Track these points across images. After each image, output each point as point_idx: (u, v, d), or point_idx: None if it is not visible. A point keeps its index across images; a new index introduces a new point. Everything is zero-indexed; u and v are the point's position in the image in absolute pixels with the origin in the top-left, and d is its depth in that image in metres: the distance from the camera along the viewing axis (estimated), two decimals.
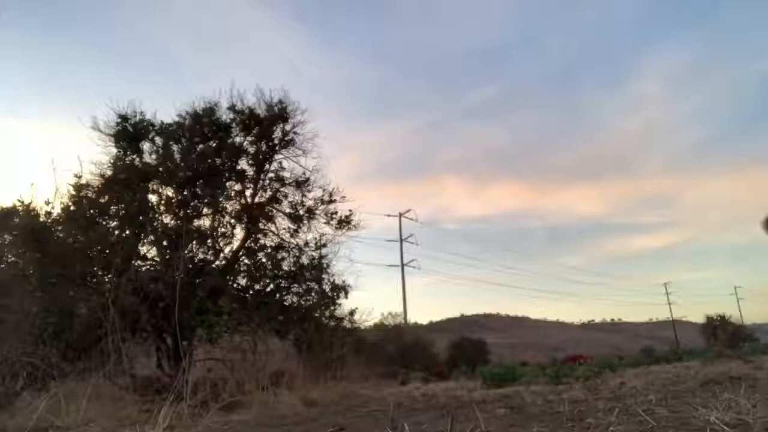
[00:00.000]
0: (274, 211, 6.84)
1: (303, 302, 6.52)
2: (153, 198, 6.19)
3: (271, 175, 6.78)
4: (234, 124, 6.42)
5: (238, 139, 6.53)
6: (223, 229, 6.46)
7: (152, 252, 6.18)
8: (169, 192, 6.21)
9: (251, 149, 6.62)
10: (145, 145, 6.51)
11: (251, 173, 6.68)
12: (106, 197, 5.94)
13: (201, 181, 6.12)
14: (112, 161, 6.29)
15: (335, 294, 6.75)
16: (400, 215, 28.27)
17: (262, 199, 6.76)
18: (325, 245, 6.80)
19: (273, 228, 6.81)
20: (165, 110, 8.48)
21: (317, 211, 6.88)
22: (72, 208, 5.83)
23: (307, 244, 6.76)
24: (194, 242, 6.09)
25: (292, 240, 6.82)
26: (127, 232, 5.67)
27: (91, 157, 6.60)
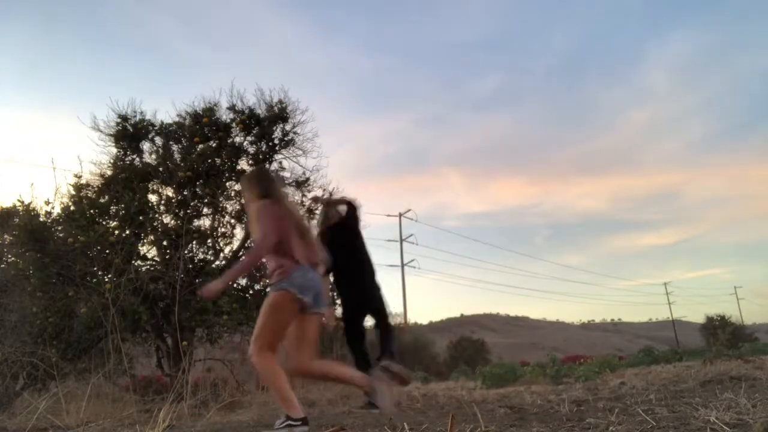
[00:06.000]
0: None
1: None
2: (153, 198, 6.19)
3: None
4: (234, 124, 6.42)
5: (238, 139, 6.52)
6: (223, 229, 6.45)
7: (152, 252, 6.18)
8: (169, 192, 6.21)
9: (251, 149, 6.62)
10: (145, 145, 6.51)
11: None
12: (106, 197, 5.94)
13: (201, 181, 6.11)
14: (112, 161, 6.29)
15: (335, 294, 6.74)
16: (400, 215, 28.29)
17: None
18: None
19: None
20: (165, 110, 8.48)
21: (317, 212, 6.88)
22: (72, 208, 5.83)
23: None
24: (194, 242, 6.09)
25: None
26: (127, 232, 5.66)
27: (91, 157, 6.61)
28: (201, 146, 6.13)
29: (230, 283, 2.65)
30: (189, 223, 5.92)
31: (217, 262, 6.22)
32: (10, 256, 6.53)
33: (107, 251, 5.51)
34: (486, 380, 10.11)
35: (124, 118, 6.33)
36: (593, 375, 8.38)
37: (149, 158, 6.44)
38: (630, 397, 3.68)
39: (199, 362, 5.88)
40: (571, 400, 3.61)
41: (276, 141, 6.56)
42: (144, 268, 5.86)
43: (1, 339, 5.06)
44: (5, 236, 6.72)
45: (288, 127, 6.55)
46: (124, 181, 5.91)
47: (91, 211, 5.71)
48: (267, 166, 6.71)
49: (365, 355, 3.97)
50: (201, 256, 6.23)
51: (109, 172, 6.16)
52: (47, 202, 5.97)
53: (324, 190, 6.88)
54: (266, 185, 2.89)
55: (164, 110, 7.07)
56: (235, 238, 6.55)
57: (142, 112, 6.42)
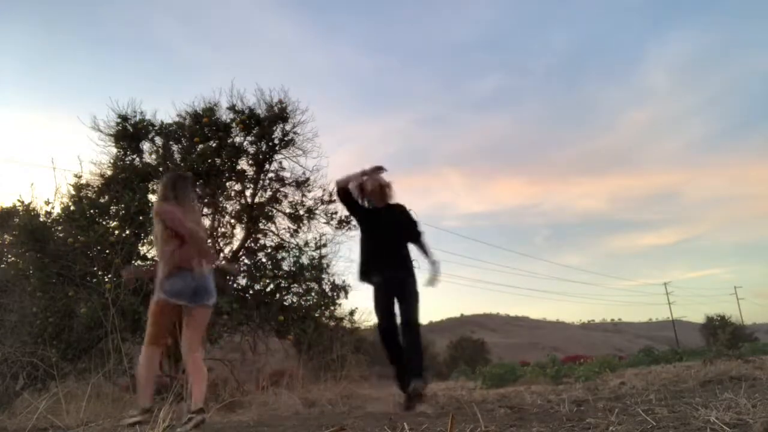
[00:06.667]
0: (274, 211, 6.84)
1: (303, 302, 6.52)
2: (153, 198, 6.20)
3: (271, 175, 6.78)
4: (234, 124, 6.42)
5: (238, 139, 6.52)
6: (223, 229, 6.46)
7: (152, 252, 6.18)
8: None
9: (251, 149, 6.62)
10: (145, 145, 6.52)
11: (251, 173, 6.68)
12: (106, 197, 5.94)
13: (201, 181, 6.12)
14: (112, 161, 6.29)
15: (335, 294, 6.75)
16: None
17: (262, 199, 6.76)
18: (325, 245, 6.79)
19: (273, 228, 6.81)
20: (165, 110, 8.48)
21: (317, 211, 6.88)
22: (72, 208, 5.83)
23: (307, 244, 6.76)
24: None
25: (292, 240, 6.82)
26: (127, 232, 5.66)
27: (91, 157, 6.60)
28: (201, 146, 6.14)
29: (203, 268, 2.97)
30: None
31: (217, 262, 6.22)
32: (10, 256, 6.53)
33: (107, 251, 5.51)
34: (486, 380, 10.11)
35: (124, 118, 6.33)
36: (593, 375, 8.39)
37: (149, 158, 6.45)
38: (630, 397, 3.68)
39: None
40: (571, 400, 3.61)
41: (276, 141, 6.57)
42: (144, 269, 5.87)
43: (1, 339, 5.06)
44: (5, 236, 6.73)
45: (288, 127, 6.55)
46: (124, 181, 5.91)
47: (91, 211, 5.71)
48: (267, 166, 6.72)
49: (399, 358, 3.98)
50: None
51: (109, 172, 6.16)
52: (47, 202, 5.98)
53: (324, 190, 6.88)
54: (170, 189, 3.17)
55: (164, 110, 7.08)
56: (235, 238, 6.55)
57: (142, 112, 6.43)
